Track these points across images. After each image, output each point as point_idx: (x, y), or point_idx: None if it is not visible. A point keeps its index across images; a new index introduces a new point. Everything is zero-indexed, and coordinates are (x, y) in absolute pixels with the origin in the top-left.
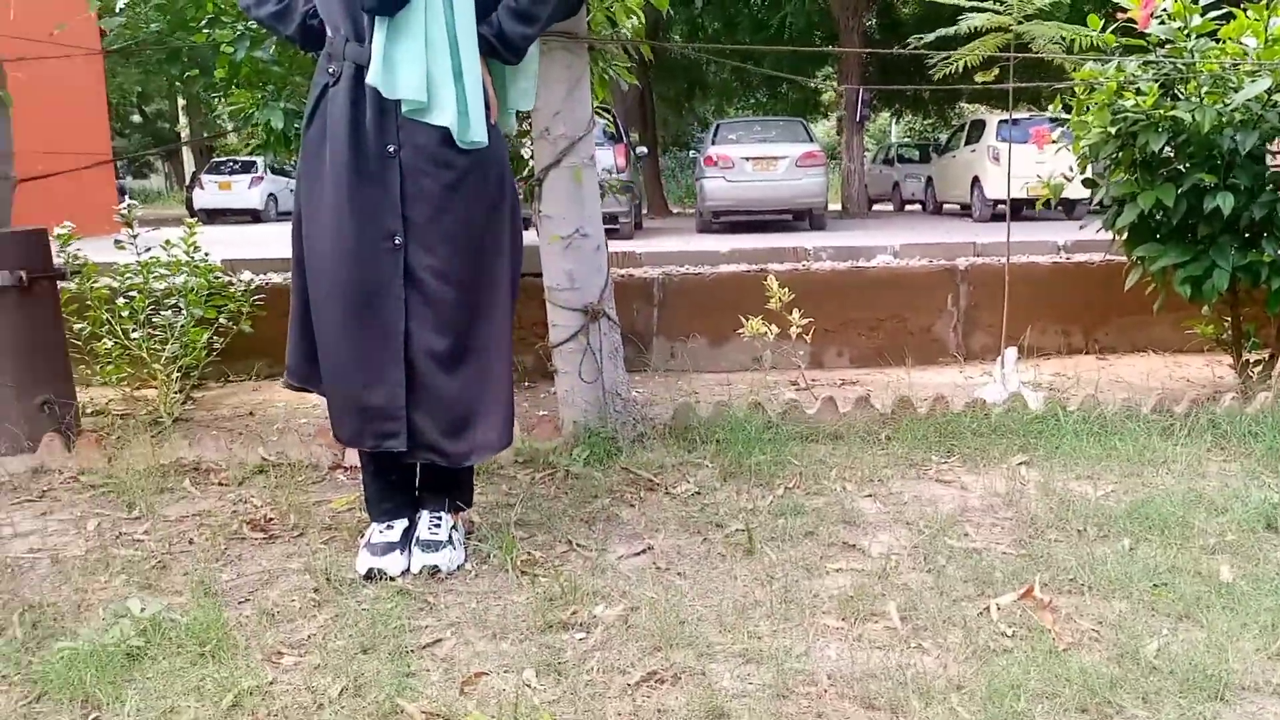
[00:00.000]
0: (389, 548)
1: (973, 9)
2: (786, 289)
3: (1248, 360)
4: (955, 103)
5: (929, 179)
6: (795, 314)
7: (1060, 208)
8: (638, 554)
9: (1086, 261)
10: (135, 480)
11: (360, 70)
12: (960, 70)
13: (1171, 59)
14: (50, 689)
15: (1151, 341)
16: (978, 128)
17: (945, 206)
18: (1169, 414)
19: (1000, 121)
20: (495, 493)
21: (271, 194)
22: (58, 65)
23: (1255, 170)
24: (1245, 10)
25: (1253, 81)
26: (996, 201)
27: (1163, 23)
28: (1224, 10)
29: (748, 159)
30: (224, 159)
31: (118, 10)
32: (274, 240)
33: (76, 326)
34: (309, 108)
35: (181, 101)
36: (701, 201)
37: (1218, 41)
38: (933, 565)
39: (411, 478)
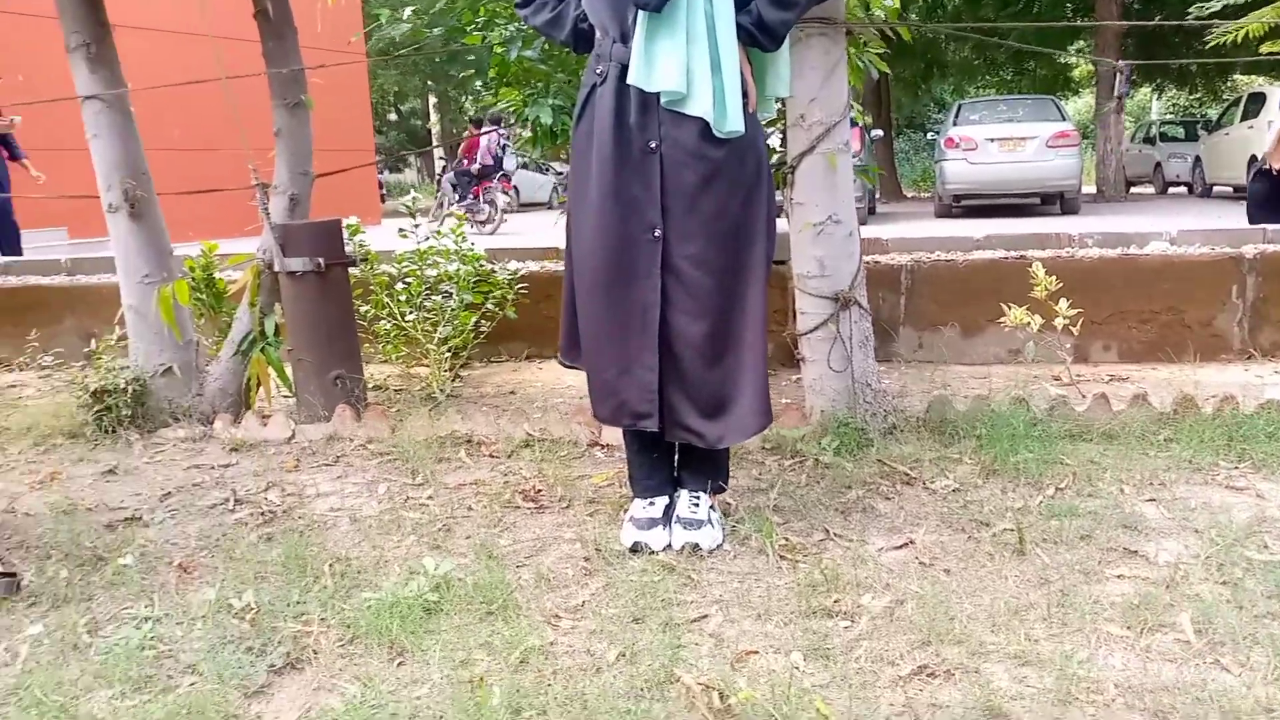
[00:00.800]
0: (652, 523)
1: None
2: (1053, 277)
3: None
4: (1228, 76)
5: (1197, 158)
6: (1064, 304)
7: None
8: (899, 547)
9: None
10: (416, 449)
11: (624, 70)
12: (1238, 41)
13: None
14: (360, 634)
15: None
16: (1256, 101)
17: (1216, 189)
18: None
19: None
20: (746, 477)
21: (515, 187)
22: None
23: None
24: None
25: None
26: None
27: None
28: None
29: (992, 140)
30: None
31: (404, 17)
32: (514, 231)
33: (361, 309)
34: (578, 107)
35: (433, 100)
36: (941, 185)
37: None
38: (1228, 577)
39: (672, 456)
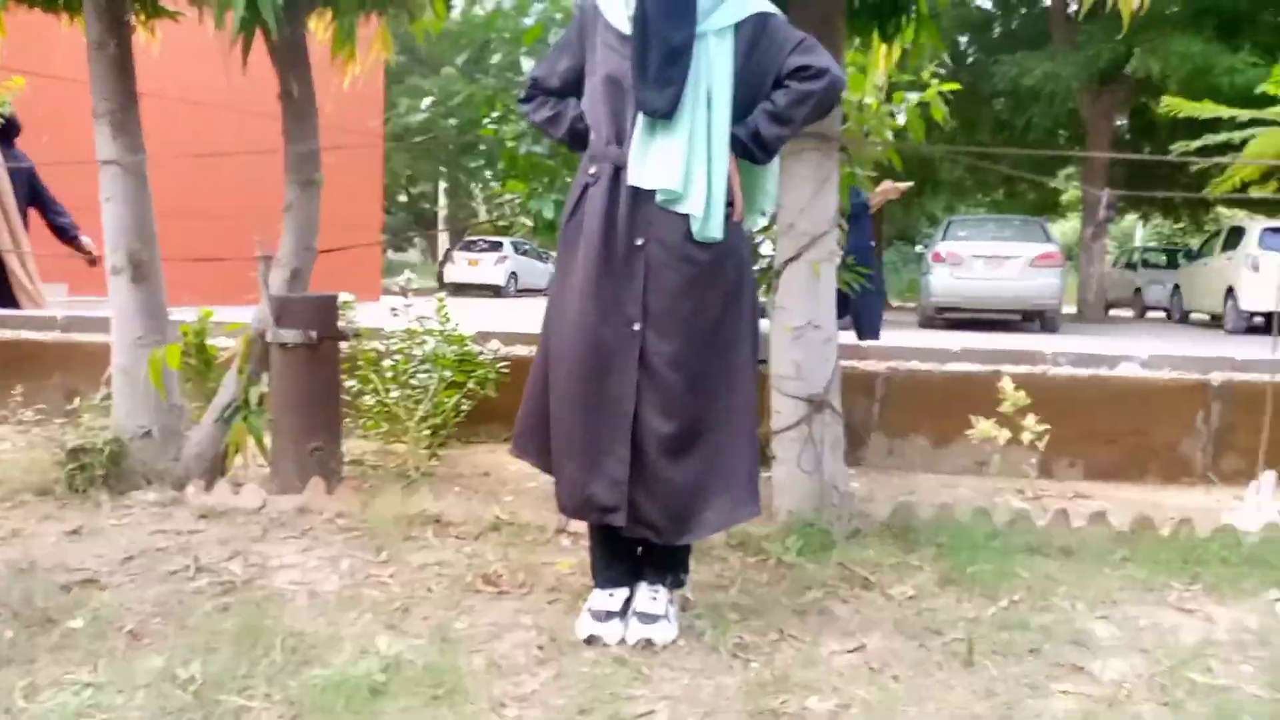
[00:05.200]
0: (609, 615)
1: (1253, 121)
2: (1022, 393)
3: None
4: (1211, 208)
5: (1176, 285)
6: (1030, 419)
7: None
8: (851, 651)
9: None
10: (384, 526)
11: (618, 170)
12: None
13: None
14: (303, 712)
15: None
16: (1236, 234)
17: (1192, 316)
18: None
19: (1265, 230)
20: (707, 573)
21: (513, 272)
22: (350, 151)
23: None
24: None
25: None
26: (1252, 313)
27: None
28: None
29: (979, 256)
30: (475, 238)
31: (422, 107)
32: (512, 314)
33: (347, 383)
34: (569, 205)
35: (443, 185)
36: (925, 297)
37: None
38: (1170, 698)
39: (635, 548)
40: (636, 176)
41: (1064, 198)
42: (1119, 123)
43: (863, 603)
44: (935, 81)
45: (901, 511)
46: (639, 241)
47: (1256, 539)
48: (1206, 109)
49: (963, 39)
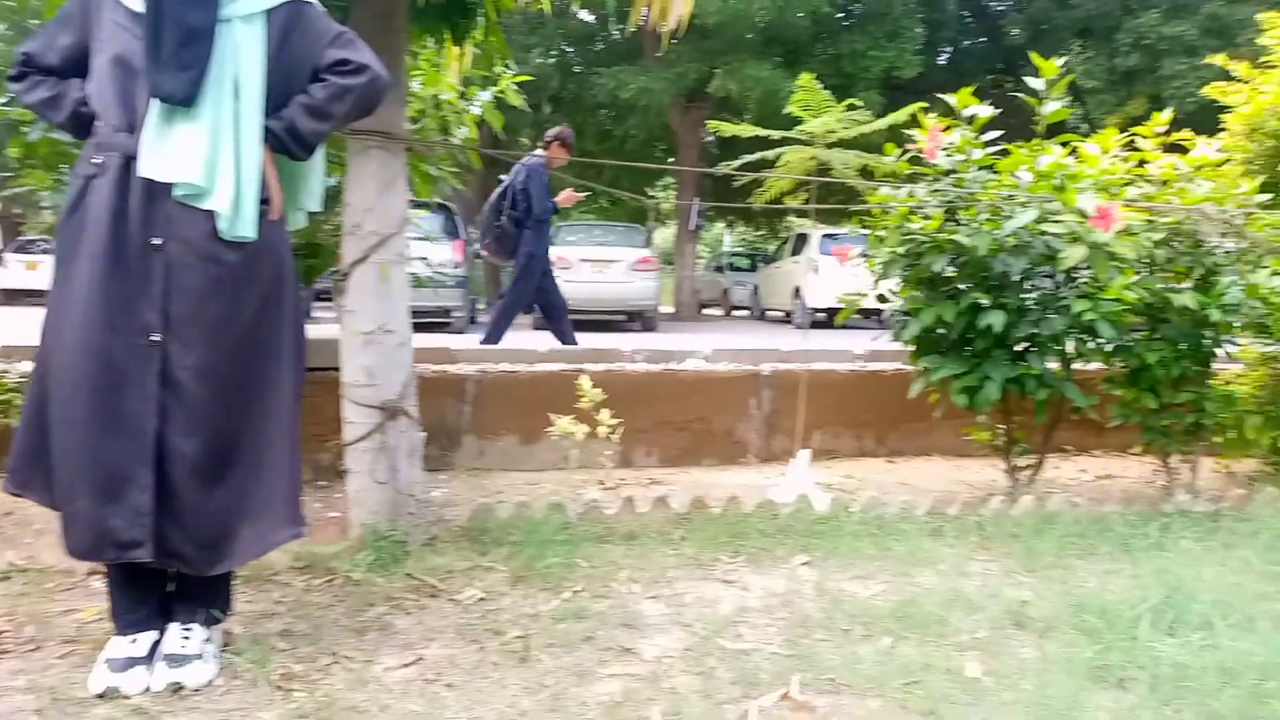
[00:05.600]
0: (131, 663)
1: (784, 139)
2: (599, 389)
3: (1017, 465)
4: (784, 217)
5: (756, 286)
6: (605, 413)
7: (877, 318)
8: (406, 665)
9: (880, 370)
10: None
11: (129, 161)
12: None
13: (956, 188)
14: None
15: (935, 446)
16: (802, 240)
17: (769, 313)
18: (942, 515)
19: (824, 236)
20: (264, 601)
21: None
22: None
23: (1023, 292)
24: (1021, 148)
25: (1023, 211)
26: (816, 310)
27: (949, 155)
28: (1001, 146)
29: (585, 260)
30: (33, 238)
31: None
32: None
33: None
34: (70, 200)
35: None
36: None
37: (995, 174)
38: (703, 667)
39: (163, 584)
40: (150, 168)
41: (664, 206)
42: (706, 139)
43: (428, 612)
44: (508, 74)
45: (479, 513)
46: (156, 241)
47: (790, 510)
48: (746, 130)
49: (569, 50)
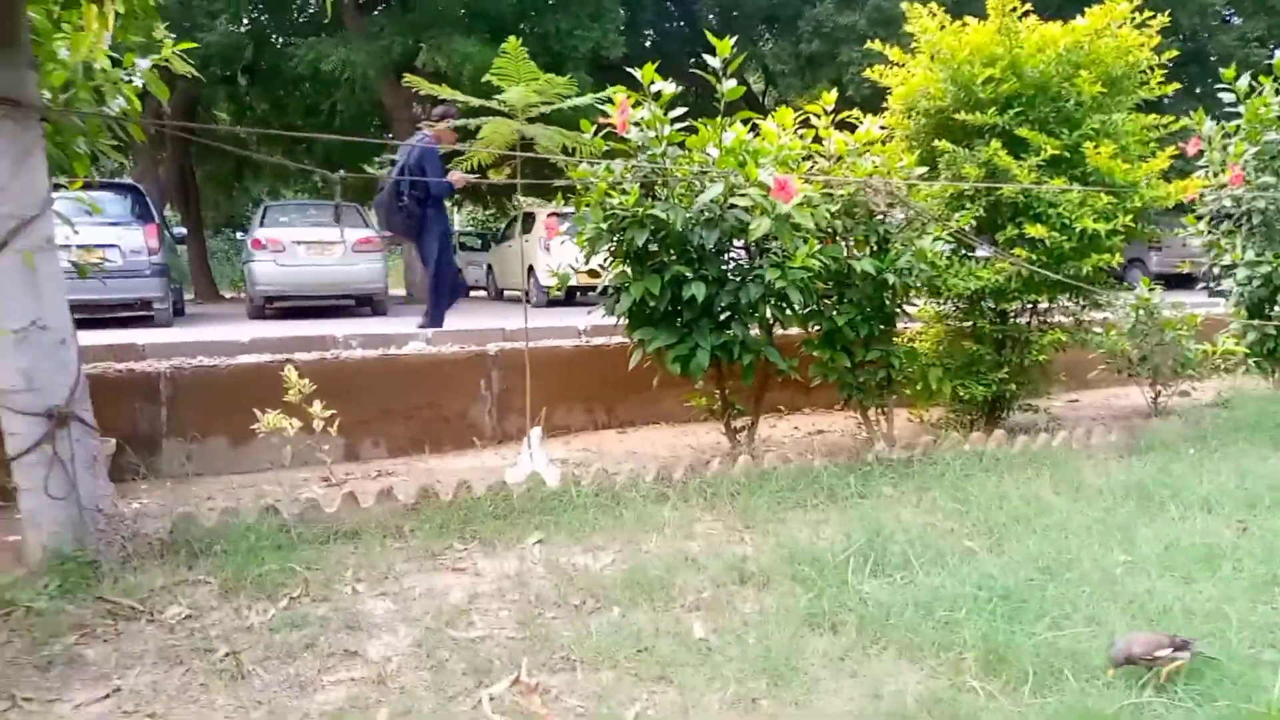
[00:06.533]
0: None
1: (482, 108)
2: (308, 380)
3: (735, 427)
4: (512, 194)
5: (489, 266)
6: (318, 405)
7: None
8: (101, 699)
9: (604, 344)
10: None
11: None
12: (480, 166)
13: (650, 164)
14: None
15: (662, 414)
16: (530, 219)
17: (506, 293)
18: (667, 480)
19: (550, 214)
20: None
21: None
22: None
23: (720, 263)
24: (707, 125)
25: (712, 185)
26: (549, 289)
27: (641, 130)
28: (689, 123)
29: (299, 243)
30: None
31: None
32: None
33: None
34: None
35: None
36: (251, 286)
37: (686, 150)
38: (434, 661)
39: None
40: None
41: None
42: (419, 112)
43: (126, 638)
44: (170, 41)
45: (181, 524)
46: None
47: (522, 490)
48: (445, 92)
49: (261, 17)
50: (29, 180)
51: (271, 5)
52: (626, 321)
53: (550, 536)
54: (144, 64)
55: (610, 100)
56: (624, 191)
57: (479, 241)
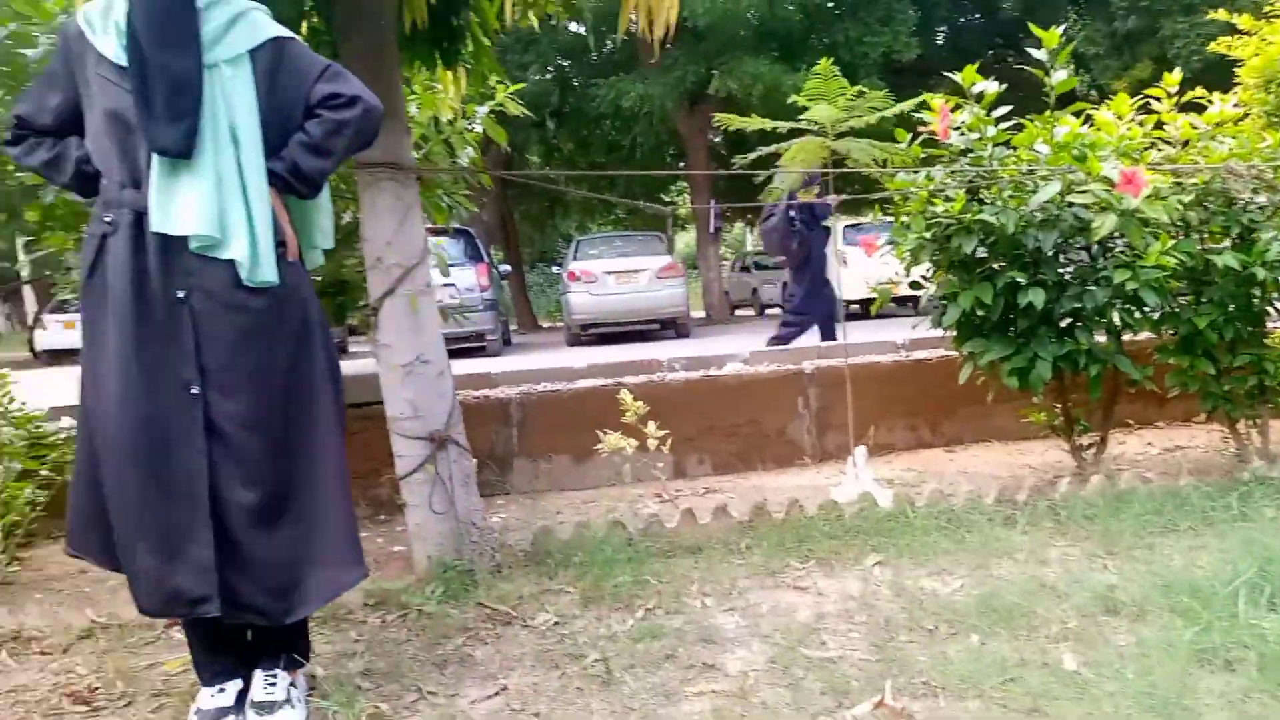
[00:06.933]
0: (221, 713)
1: (792, 130)
2: (641, 401)
3: (1080, 444)
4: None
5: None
6: (652, 425)
7: (912, 305)
8: (491, 696)
9: (925, 358)
10: None
11: (139, 216)
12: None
13: (975, 167)
14: None
15: (994, 431)
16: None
17: None
18: (1011, 502)
19: (846, 227)
20: (343, 641)
21: None
22: None
23: (1060, 267)
24: (1034, 121)
25: (1047, 184)
26: (850, 301)
27: (962, 134)
28: (1014, 121)
29: (609, 273)
30: (66, 297)
31: None
32: None
33: None
34: (87, 261)
35: (20, 240)
36: (568, 315)
37: (1012, 149)
38: (791, 679)
39: (241, 634)
40: (161, 222)
41: (682, 210)
42: (714, 139)
43: (504, 641)
44: (502, 86)
45: (541, 537)
46: (179, 294)
47: (854, 510)
48: (754, 123)
49: (565, 63)
50: (411, 233)
51: (572, 52)
52: (954, 334)
53: (890, 558)
54: (482, 110)
55: (927, 106)
56: (947, 199)
57: (770, 260)
